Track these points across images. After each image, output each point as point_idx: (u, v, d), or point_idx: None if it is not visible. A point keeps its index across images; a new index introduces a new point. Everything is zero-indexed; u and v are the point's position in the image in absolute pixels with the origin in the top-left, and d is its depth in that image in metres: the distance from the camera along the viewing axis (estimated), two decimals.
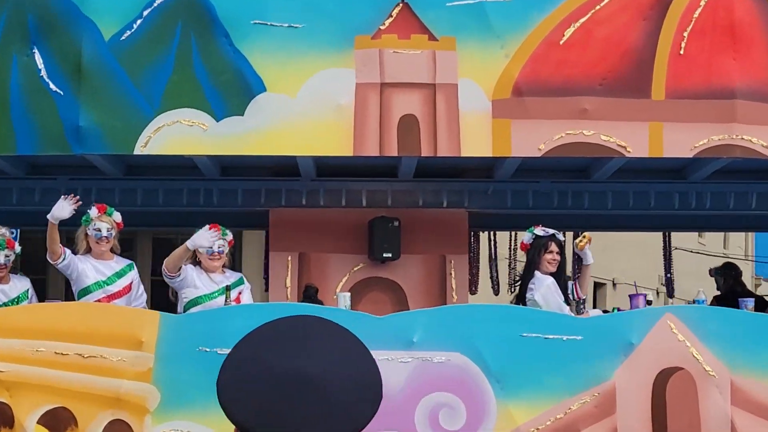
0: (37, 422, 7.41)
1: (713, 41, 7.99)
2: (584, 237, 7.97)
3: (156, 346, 7.44)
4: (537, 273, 8.00)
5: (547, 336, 7.55)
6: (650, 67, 7.95)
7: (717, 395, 7.55)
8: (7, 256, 7.92)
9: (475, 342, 7.49)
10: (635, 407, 7.55)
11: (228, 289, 7.75)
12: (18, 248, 7.98)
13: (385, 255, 8.71)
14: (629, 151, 7.95)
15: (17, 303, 8.04)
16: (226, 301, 7.67)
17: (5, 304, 7.95)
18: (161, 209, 9.59)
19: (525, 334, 7.54)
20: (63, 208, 7.53)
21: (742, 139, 7.95)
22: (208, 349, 7.39)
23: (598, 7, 7.99)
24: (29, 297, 8.10)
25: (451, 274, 8.94)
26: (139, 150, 7.82)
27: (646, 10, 8.02)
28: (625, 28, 7.99)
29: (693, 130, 7.95)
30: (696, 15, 8.01)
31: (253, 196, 9.02)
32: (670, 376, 7.59)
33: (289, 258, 9.19)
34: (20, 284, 8.10)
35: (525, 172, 8.93)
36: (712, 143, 7.96)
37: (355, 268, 8.94)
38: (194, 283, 7.78)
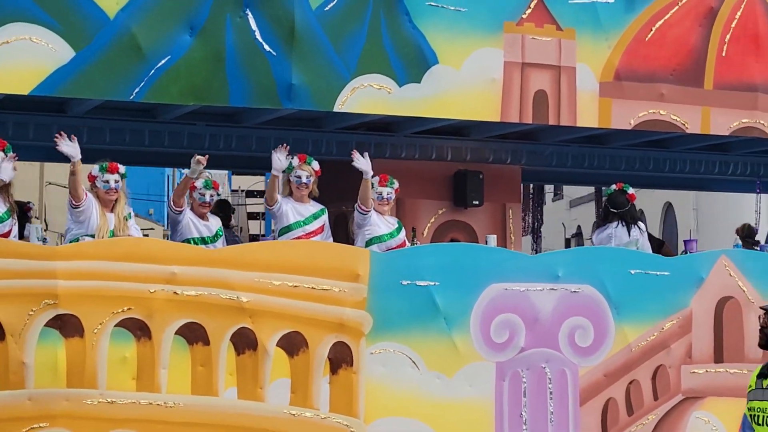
0: (276, 344, 8.46)
1: (744, 46, 10.35)
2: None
3: (369, 278, 8.70)
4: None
5: (647, 272, 9.63)
6: (703, 64, 10.19)
7: (754, 317, 9.97)
8: (212, 195, 8.78)
9: (601, 276, 9.42)
10: (704, 327, 9.82)
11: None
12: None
13: (474, 202, 10.32)
14: (687, 128, 10.15)
15: (217, 237, 8.93)
16: (413, 240, 9.05)
17: (208, 238, 8.82)
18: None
19: (633, 271, 9.59)
20: (279, 160, 8.54)
21: (760, 123, 10.40)
22: (408, 282, 8.79)
23: (670, 13, 10.09)
24: (222, 232, 9.01)
25: (510, 218, 10.71)
26: (338, 107, 9.00)
27: (702, 18, 10.23)
28: (687, 32, 10.16)
29: (729, 114, 10.29)
30: (733, 25, 10.33)
31: (363, 148, 10.24)
32: (726, 303, 9.94)
33: None
34: (215, 221, 8.97)
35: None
36: (741, 125, 10.34)
37: (440, 211, 10.47)
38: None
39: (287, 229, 8.98)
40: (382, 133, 10.18)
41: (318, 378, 8.56)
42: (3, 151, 8.22)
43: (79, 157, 7.90)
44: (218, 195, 8.97)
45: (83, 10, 8.37)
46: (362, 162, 8.72)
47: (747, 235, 11.52)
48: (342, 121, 9.84)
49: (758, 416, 6.14)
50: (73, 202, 8.16)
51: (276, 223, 9.00)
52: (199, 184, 8.72)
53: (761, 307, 6.34)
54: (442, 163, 10.44)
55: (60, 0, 8.32)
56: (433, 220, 10.56)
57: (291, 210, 8.95)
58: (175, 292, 8.16)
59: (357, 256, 8.76)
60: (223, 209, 10.54)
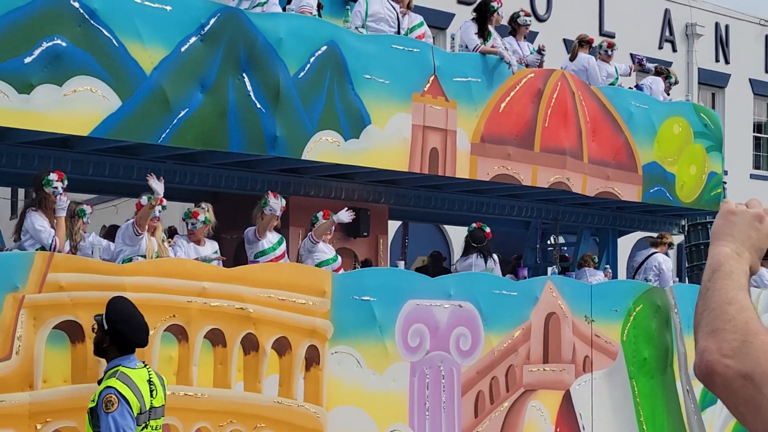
0: (271, 347, 10.47)
1: (558, 119, 13.45)
2: None
3: (331, 294, 10.89)
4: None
5: (503, 292, 12.42)
6: (534, 131, 13.18)
7: (569, 328, 13.04)
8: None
9: (476, 295, 12.10)
10: (537, 335, 12.74)
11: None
12: None
13: (364, 233, 12.61)
14: (523, 181, 13.09)
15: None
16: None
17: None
18: None
19: (495, 291, 12.34)
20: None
21: (567, 179, 13.55)
22: (357, 297, 11.08)
23: (514, 91, 13.00)
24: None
25: (380, 247, 13.14)
26: (305, 156, 11.11)
27: (533, 96, 13.22)
28: (525, 107, 13.11)
29: (547, 171, 13.34)
30: (552, 103, 13.40)
31: (281, 187, 12.25)
32: (551, 317, 12.91)
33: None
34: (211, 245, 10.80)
35: None
36: (555, 180, 13.43)
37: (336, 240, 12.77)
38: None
39: (262, 253, 11.00)
40: (294, 175, 12.30)
41: (297, 374, 10.66)
42: (61, 181, 9.76)
43: (163, 194, 9.61)
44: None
45: (128, 67, 10.00)
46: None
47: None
48: (275, 165, 11.91)
49: None
50: (138, 230, 9.81)
51: (252, 249, 10.99)
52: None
53: (94, 317, 7.23)
54: (337, 201, 12.70)
55: (113, 58, 9.90)
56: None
57: (266, 238, 10.99)
58: (205, 303, 10.01)
59: (323, 276, 10.94)
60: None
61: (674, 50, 26.99)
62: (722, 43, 28.72)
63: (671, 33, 27.32)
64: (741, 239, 2.35)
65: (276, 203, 11.00)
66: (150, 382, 6.68)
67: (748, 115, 29.46)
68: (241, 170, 11.79)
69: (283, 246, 11.54)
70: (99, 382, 6.58)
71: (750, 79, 29.35)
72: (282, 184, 12.07)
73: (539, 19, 22.49)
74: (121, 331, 6.74)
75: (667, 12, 27.09)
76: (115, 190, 12.21)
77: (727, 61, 28.72)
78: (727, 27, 28.68)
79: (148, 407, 6.59)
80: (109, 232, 11.85)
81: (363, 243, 12.93)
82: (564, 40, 23.62)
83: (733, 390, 2.18)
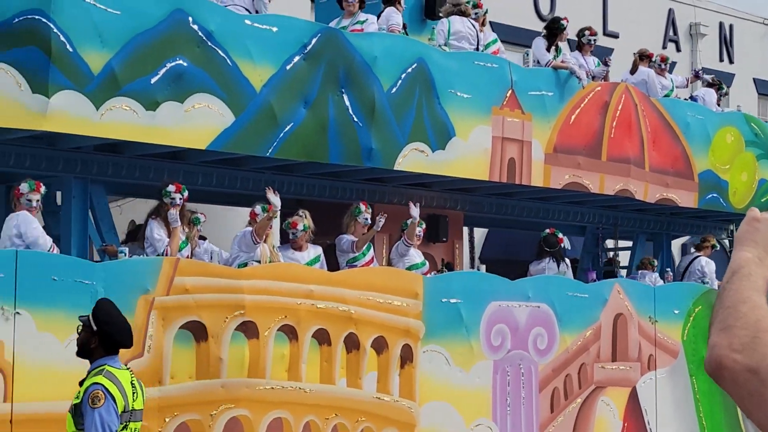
0: (371, 346, 11.18)
1: (623, 130, 14.17)
2: None
3: (423, 297, 11.62)
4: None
5: (576, 294, 13.15)
6: (601, 141, 13.89)
7: (634, 329, 13.75)
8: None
9: (552, 297, 12.82)
10: (606, 334, 13.45)
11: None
12: None
13: (443, 239, 13.35)
14: (590, 188, 13.80)
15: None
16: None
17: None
18: None
19: (569, 293, 13.06)
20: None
21: (632, 187, 14.26)
22: (445, 299, 11.80)
23: (583, 104, 13.72)
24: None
25: (457, 251, 13.92)
26: (396, 166, 11.83)
27: (600, 108, 13.93)
28: (593, 118, 13.82)
29: (613, 179, 14.05)
30: (617, 114, 14.12)
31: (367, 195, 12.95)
32: (618, 317, 13.63)
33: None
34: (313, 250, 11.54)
35: None
36: (620, 188, 14.14)
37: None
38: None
39: (354, 260, 11.76)
40: (378, 184, 13.01)
41: (393, 371, 11.38)
42: (180, 192, 10.51)
43: (280, 206, 10.42)
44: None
45: (241, 85, 10.72)
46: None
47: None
48: (363, 174, 12.63)
49: None
50: (257, 238, 10.57)
51: (344, 257, 11.75)
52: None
53: (79, 318, 6.82)
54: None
55: (227, 76, 10.62)
56: None
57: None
58: (313, 305, 10.74)
59: (416, 279, 11.67)
60: None
61: (678, 50, 27.24)
62: (726, 42, 28.93)
63: (675, 32, 27.42)
64: (764, 245, 2.40)
65: (368, 213, 11.75)
66: (132, 384, 6.68)
67: (752, 114, 29.82)
68: (331, 180, 12.49)
69: (371, 252, 12.25)
70: (81, 383, 6.61)
71: (754, 79, 29.67)
72: (368, 192, 12.78)
73: (542, 19, 22.83)
74: (109, 332, 6.62)
75: (671, 12, 27.27)
76: (220, 199, 12.93)
77: (731, 61, 29.02)
78: (731, 26, 28.94)
79: (130, 408, 6.59)
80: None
81: (440, 248, 13.64)
82: (567, 40, 23.90)
83: (739, 383, 2.23)
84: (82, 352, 6.73)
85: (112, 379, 6.49)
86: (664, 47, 26.96)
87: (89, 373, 6.61)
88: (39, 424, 9.19)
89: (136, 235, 11.97)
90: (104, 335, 6.63)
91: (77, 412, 6.51)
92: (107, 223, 11.04)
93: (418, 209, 11.77)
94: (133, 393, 6.62)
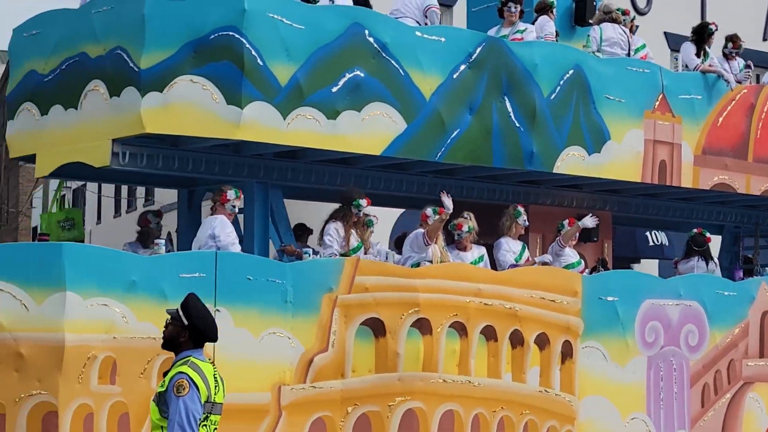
0: (534, 342, 11.68)
1: None
2: None
3: (582, 295, 12.07)
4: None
5: (725, 293, 13.50)
6: (747, 143, 14.21)
7: None
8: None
9: (702, 296, 13.19)
10: (754, 332, 13.77)
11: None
12: None
13: (593, 238, 13.79)
14: (737, 188, 14.13)
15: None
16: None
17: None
18: None
19: (718, 292, 13.42)
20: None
21: None
22: (602, 297, 12.24)
23: (730, 106, 14.05)
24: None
25: (606, 249, 14.37)
26: (555, 169, 12.31)
27: (747, 110, 14.25)
28: (740, 120, 14.15)
29: (759, 180, 14.36)
30: (763, 116, 14.41)
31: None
32: (766, 315, 13.94)
33: None
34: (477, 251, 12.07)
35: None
36: (766, 188, 14.44)
37: None
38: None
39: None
40: (532, 186, 13.49)
41: (555, 366, 11.85)
42: (369, 205, 11.16)
43: (452, 209, 11.01)
44: None
45: (412, 93, 11.29)
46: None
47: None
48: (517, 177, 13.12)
49: None
50: (428, 240, 11.14)
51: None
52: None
53: (167, 311, 6.93)
54: (568, 209, 13.82)
55: (401, 86, 11.20)
56: None
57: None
58: (481, 302, 11.26)
59: (575, 278, 12.14)
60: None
61: None
62: None
63: None
64: None
65: (525, 215, 12.28)
66: (215, 378, 6.77)
67: None
68: (489, 182, 13.00)
69: (526, 253, 12.71)
70: (165, 374, 6.76)
71: None
72: (523, 194, 13.26)
73: (640, 13, 22.59)
74: (199, 326, 6.72)
75: None
76: (387, 202, 13.52)
77: None
78: None
79: (212, 399, 6.68)
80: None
81: (590, 247, 14.07)
82: (665, 33, 24.01)
83: None
84: (169, 345, 6.82)
85: (197, 370, 6.61)
86: (765, 39, 25.98)
87: (174, 363, 6.74)
88: (235, 414, 9.79)
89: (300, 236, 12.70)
90: (194, 329, 6.75)
91: (162, 400, 6.61)
92: (284, 225, 11.67)
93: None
94: (216, 386, 6.73)
